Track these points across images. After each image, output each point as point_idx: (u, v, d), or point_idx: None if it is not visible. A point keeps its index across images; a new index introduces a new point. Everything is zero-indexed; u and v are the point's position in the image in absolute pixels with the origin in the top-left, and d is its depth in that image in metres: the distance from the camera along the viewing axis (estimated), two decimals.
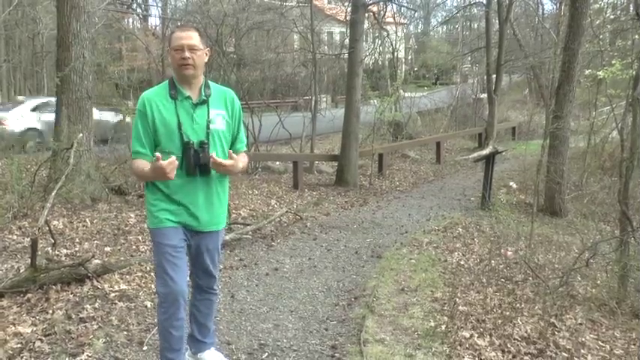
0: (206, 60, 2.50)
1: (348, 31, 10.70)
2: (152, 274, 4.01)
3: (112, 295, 3.76)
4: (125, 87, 19.20)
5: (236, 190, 7.82)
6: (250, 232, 5.71)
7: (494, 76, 14.04)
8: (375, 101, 13.07)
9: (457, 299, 4.03)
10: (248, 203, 7.42)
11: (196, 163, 2.39)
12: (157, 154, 2.26)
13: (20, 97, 13.76)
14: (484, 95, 16.80)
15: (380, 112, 12.06)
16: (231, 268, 4.69)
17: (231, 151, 2.46)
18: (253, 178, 9.56)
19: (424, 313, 3.78)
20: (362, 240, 5.99)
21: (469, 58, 25.03)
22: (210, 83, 2.54)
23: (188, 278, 2.62)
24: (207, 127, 2.44)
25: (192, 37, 2.40)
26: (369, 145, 11.15)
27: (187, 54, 2.37)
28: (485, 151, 8.41)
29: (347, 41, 11.54)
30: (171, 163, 2.25)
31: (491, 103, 13.96)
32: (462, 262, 5.23)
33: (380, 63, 20.67)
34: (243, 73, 13.33)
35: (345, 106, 10.21)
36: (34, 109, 11.16)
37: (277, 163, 11.10)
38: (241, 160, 2.52)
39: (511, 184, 9.60)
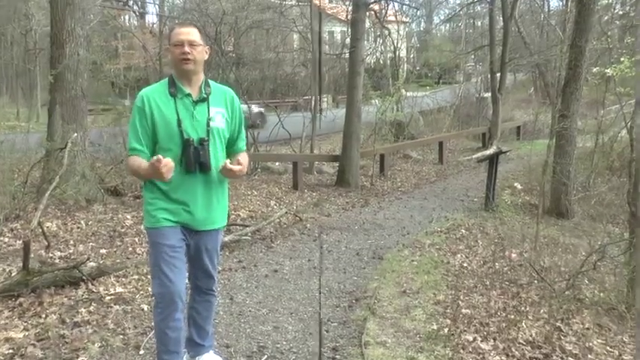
0: (206, 57, 2.51)
1: (349, 30, 10.62)
2: (149, 276, 3.93)
3: (108, 298, 3.72)
4: (121, 85, 19.15)
5: (235, 191, 7.76)
6: (249, 234, 5.65)
7: (499, 74, 13.92)
8: (377, 101, 12.99)
9: (460, 302, 3.99)
10: (247, 204, 7.37)
11: (196, 160, 2.40)
12: (159, 155, 2.24)
13: None
14: (488, 94, 16.70)
15: (381, 111, 11.98)
16: (230, 269, 4.63)
17: (238, 158, 2.52)
18: (253, 179, 9.49)
19: (426, 315, 3.74)
20: (363, 241, 5.92)
21: (472, 57, 24.85)
22: (210, 82, 2.56)
23: (187, 280, 2.59)
24: (208, 125, 2.45)
25: (192, 33, 2.44)
26: (370, 146, 11.08)
27: (187, 49, 2.40)
28: (489, 151, 8.32)
29: (348, 40, 11.47)
30: (166, 164, 2.24)
31: (496, 102, 13.86)
32: (465, 265, 5.17)
33: (381, 62, 20.60)
34: (242, 73, 13.26)
35: (346, 105, 10.12)
36: None
37: (277, 163, 11.03)
38: (245, 162, 2.55)
39: (516, 184, 9.52)
